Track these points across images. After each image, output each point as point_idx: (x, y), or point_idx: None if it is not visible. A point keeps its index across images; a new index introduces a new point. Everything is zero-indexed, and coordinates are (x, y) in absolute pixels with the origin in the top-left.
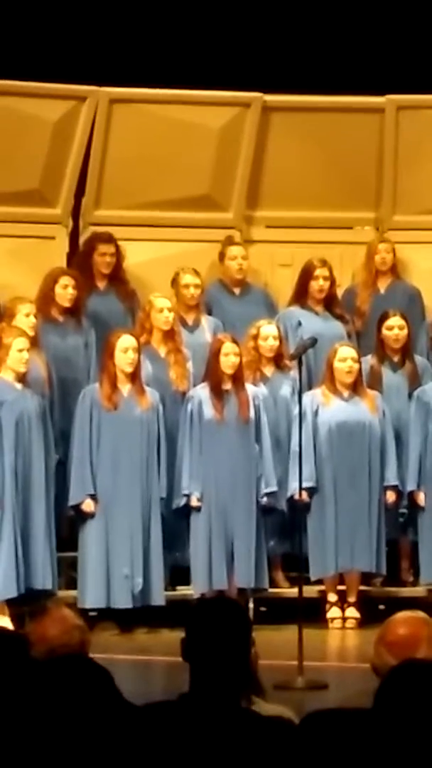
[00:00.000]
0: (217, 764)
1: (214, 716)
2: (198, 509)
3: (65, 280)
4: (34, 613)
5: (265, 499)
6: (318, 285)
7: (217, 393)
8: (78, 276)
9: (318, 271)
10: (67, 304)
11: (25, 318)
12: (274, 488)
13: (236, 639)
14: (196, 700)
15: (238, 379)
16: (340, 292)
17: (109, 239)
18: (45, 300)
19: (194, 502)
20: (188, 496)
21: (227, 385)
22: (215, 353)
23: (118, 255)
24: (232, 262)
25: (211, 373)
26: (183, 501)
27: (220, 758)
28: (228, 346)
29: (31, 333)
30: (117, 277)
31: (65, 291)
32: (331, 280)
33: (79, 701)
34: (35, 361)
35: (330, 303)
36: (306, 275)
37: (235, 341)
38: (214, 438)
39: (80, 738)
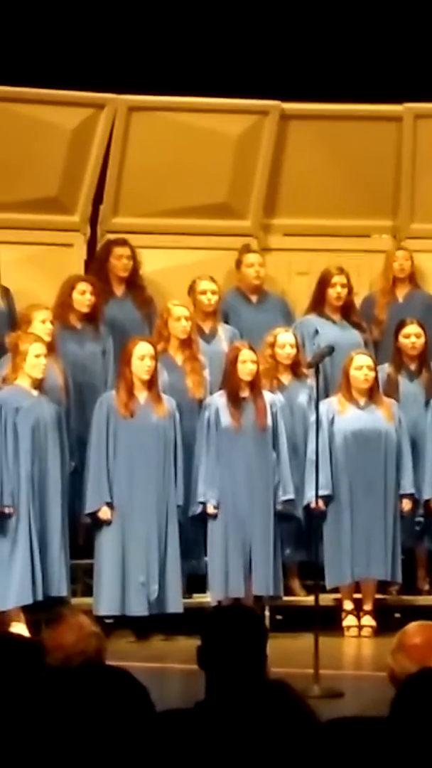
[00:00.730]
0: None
1: (230, 724)
2: (215, 517)
3: (83, 287)
4: (50, 620)
5: (282, 506)
6: (335, 293)
7: (235, 401)
8: (95, 282)
9: (335, 279)
10: (85, 311)
11: (42, 325)
12: (291, 496)
13: (252, 647)
14: (211, 708)
15: (255, 386)
16: (357, 301)
17: (124, 243)
18: (63, 307)
19: (211, 510)
20: (205, 503)
21: (244, 393)
22: (232, 361)
23: (135, 259)
24: (249, 269)
25: (229, 381)
26: (199, 508)
27: (235, 765)
28: (245, 354)
29: (48, 339)
30: (134, 282)
31: (83, 297)
32: (349, 288)
33: (103, 709)
34: (52, 368)
35: (347, 311)
36: (323, 283)
37: (252, 349)
38: (231, 446)
39: (99, 745)
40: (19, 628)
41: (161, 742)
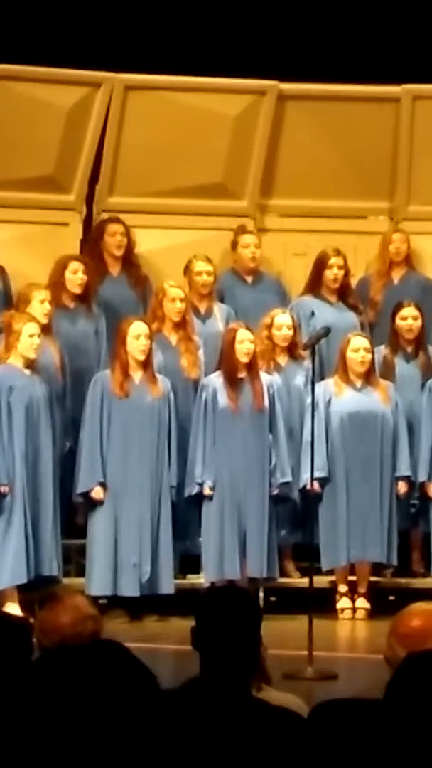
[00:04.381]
0: (226, 752)
1: (223, 703)
2: (210, 498)
3: (75, 266)
4: (44, 600)
5: (278, 489)
6: (332, 275)
7: (232, 382)
8: (88, 262)
9: (332, 261)
10: (77, 291)
11: (40, 305)
12: (288, 478)
13: (246, 627)
14: (204, 687)
15: (252, 367)
16: (353, 282)
17: (118, 220)
18: (55, 287)
19: (207, 491)
20: (201, 484)
21: (242, 374)
22: (230, 342)
23: (129, 238)
24: (245, 250)
25: (226, 362)
26: (196, 489)
27: (228, 746)
28: (243, 334)
29: (45, 320)
30: (129, 261)
31: (75, 277)
32: (345, 270)
33: (101, 687)
34: (48, 348)
35: (344, 293)
36: (320, 265)
37: (249, 329)
38: (228, 427)
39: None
40: (13, 608)
41: (153, 722)
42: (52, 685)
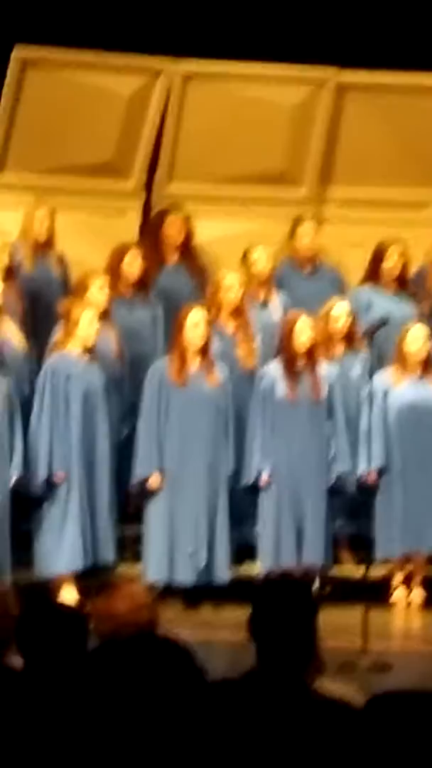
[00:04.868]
0: (282, 741)
1: (280, 694)
2: (268, 487)
3: (132, 255)
4: (101, 587)
5: (336, 479)
6: (391, 264)
7: (291, 371)
8: (145, 250)
9: (391, 251)
10: (134, 279)
11: (99, 291)
12: (347, 468)
13: (303, 618)
14: (261, 678)
15: (311, 357)
16: (412, 273)
17: (178, 210)
18: (112, 275)
19: (265, 480)
20: (259, 473)
21: (301, 363)
22: (289, 331)
23: (189, 226)
24: (303, 240)
25: (285, 351)
26: (253, 478)
27: (284, 736)
28: (303, 323)
29: (103, 307)
30: (188, 250)
31: (132, 265)
32: (404, 260)
33: (154, 680)
34: (107, 335)
35: (402, 283)
36: (379, 255)
37: (309, 318)
38: (286, 416)
39: (146, 715)
40: (70, 594)
41: (211, 712)
42: (106, 676)
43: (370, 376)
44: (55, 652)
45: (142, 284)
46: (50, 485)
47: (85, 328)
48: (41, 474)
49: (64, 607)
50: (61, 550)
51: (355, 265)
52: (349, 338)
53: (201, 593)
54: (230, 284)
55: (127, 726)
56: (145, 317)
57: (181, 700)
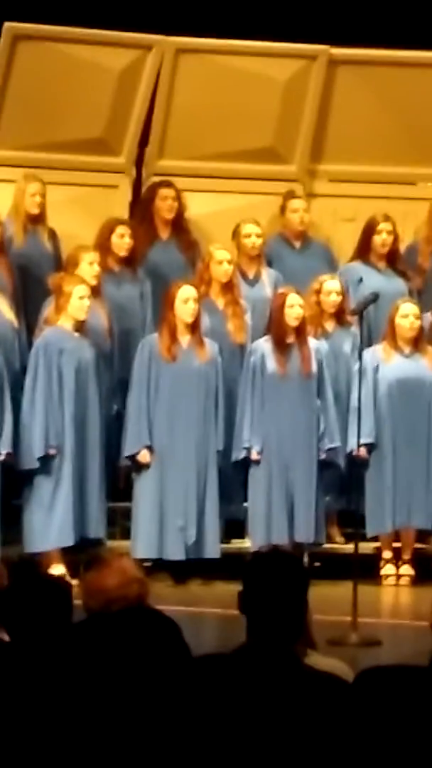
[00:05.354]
0: (273, 715)
1: (271, 668)
2: (258, 462)
3: (121, 230)
4: (90, 562)
5: (326, 454)
6: (381, 240)
7: (281, 346)
8: (135, 225)
9: (381, 227)
10: (123, 254)
11: (89, 267)
12: (337, 444)
13: (294, 592)
14: (252, 652)
15: (301, 332)
16: (402, 249)
17: (170, 185)
18: (101, 250)
19: (254, 456)
20: (248, 449)
21: (290, 339)
22: (279, 306)
23: (180, 202)
24: (294, 215)
25: (275, 326)
26: (243, 454)
27: (275, 709)
28: (293, 299)
29: (94, 282)
30: (179, 225)
31: (121, 241)
32: (394, 235)
33: (141, 652)
34: (97, 311)
35: (392, 259)
36: (369, 230)
37: (299, 294)
38: (276, 392)
39: (137, 688)
40: (59, 570)
41: (201, 686)
42: (91, 648)
43: (360, 352)
44: (39, 623)
45: (131, 259)
46: (43, 461)
47: (76, 303)
48: (38, 450)
49: (47, 578)
50: (50, 525)
51: (346, 240)
52: (340, 314)
53: (190, 569)
54: (221, 260)
55: (116, 700)
56: (133, 293)
57: (168, 673)
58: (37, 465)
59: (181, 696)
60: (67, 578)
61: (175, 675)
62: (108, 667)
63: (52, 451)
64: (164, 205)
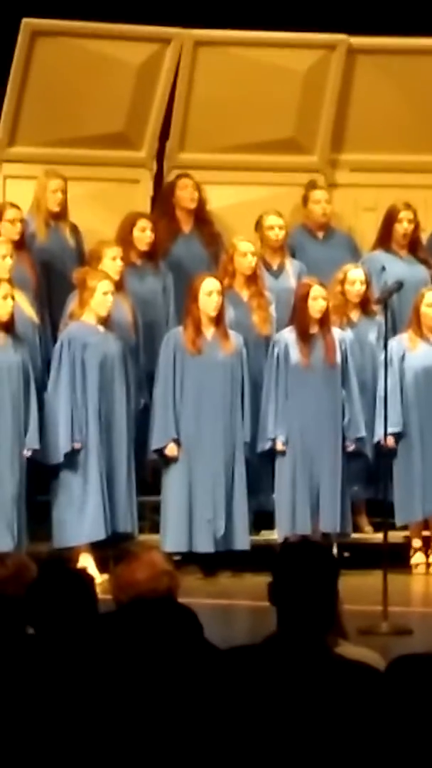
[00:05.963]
0: (304, 706)
1: (302, 658)
2: (283, 453)
3: (143, 224)
4: (120, 556)
5: (352, 444)
6: (402, 228)
7: (304, 337)
8: (155, 220)
9: (402, 215)
10: (144, 248)
11: (112, 261)
12: (362, 434)
13: (324, 582)
14: (283, 643)
15: (325, 323)
16: (424, 237)
17: (189, 176)
18: (123, 244)
19: (280, 446)
20: (274, 440)
21: (314, 329)
22: (303, 297)
23: (201, 194)
24: (316, 206)
25: (299, 317)
26: (268, 445)
27: (307, 700)
28: (316, 290)
29: (117, 277)
30: (202, 218)
31: (143, 235)
32: (416, 223)
33: (165, 643)
34: (121, 305)
35: (414, 247)
36: (390, 219)
37: (322, 285)
38: (300, 382)
39: (163, 680)
40: (88, 564)
41: (231, 677)
42: (108, 639)
43: (386, 341)
44: (61, 616)
45: (153, 253)
46: (69, 456)
47: (99, 299)
48: (63, 446)
49: (70, 571)
50: (81, 520)
51: (368, 230)
52: (364, 304)
53: (219, 561)
54: (244, 252)
55: (146, 692)
56: (156, 286)
57: (195, 665)
58: (62, 460)
59: (205, 685)
60: (94, 572)
61: (193, 663)
62: (127, 658)
63: (77, 446)
64: (185, 195)
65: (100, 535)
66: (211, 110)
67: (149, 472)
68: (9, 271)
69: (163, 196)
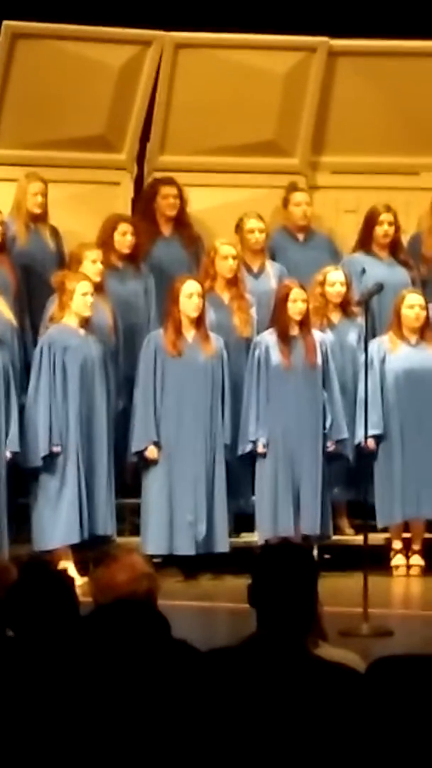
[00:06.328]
0: (284, 707)
1: (282, 660)
2: (264, 456)
3: (123, 227)
4: (100, 558)
5: (333, 446)
6: (383, 231)
7: (285, 339)
8: (136, 222)
9: (383, 217)
10: (125, 251)
11: (92, 264)
12: (345, 435)
13: (303, 583)
14: (262, 644)
15: (305, 325)
16: (405, 239)
17: (172, 182)
18: (103, 247)
19: (260, 449)
20: (255, 442)
21: (294, 331)
22: (283, 299)
23: (182, 198)
24: (297, 208)
25: (279, 319)
26: (249, 447)
27: (286, 701)
28: (296, 292)
29: (97, 279)
30: (181, 221)
31: (124, 238)
32: (396, 225)
33: (138, 645)
34: (101, 308)
35: (395, 249)
36: (371, 221)
37: (302, 287)
38: (281, 384)
39: (143, 682)
40: (67, 566)
41: (210, 679)
42: (99, 642)
43: (366, 343)
44: (40, 618)
45: (134, 256)
46: (48, 459)
47: (79, 300)
48: (42, 449)
49: (49, 573)
50: (57, 523)
51: (349, 232)
52: (345, 305)
53: (200, 564)
54: (225, 255)
55: (126, 693)
56: (137, 288)
57: (176, 666)
58: (40, 463)
59: (183, 688)
60: (74, 574)
61: (186, 669)
62: (104, 660)
63: (56, 449)
64: (166, 203)
65: (75, 538)
66: (191, 113)
67: (129, 475)
68: None
69: (143, 200)
